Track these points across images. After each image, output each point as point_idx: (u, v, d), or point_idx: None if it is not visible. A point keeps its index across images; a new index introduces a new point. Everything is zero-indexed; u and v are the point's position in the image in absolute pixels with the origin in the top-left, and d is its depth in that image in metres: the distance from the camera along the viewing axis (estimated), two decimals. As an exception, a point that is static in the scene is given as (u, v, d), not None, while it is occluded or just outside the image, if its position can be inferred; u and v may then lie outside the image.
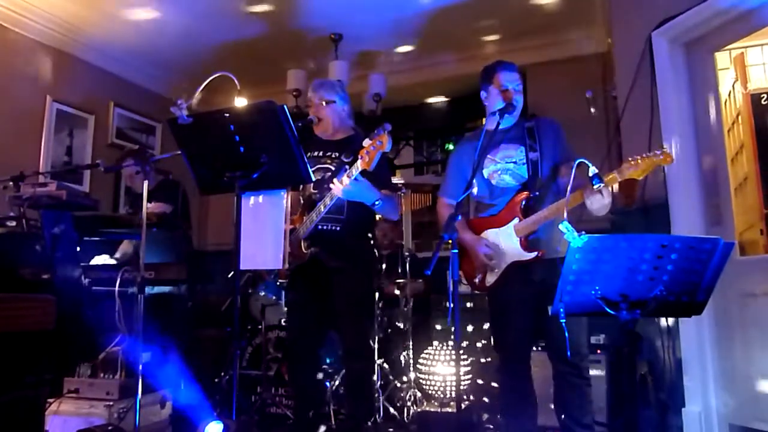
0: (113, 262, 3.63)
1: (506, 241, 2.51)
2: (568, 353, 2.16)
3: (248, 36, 4.86)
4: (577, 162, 2.45)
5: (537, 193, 2.51)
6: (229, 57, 5.10)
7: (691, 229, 3.04)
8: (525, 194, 2.51)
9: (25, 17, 4.37)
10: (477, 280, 2.62)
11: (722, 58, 3.47)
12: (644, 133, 3.32)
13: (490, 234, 2.57)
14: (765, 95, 3.67)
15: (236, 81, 2.42)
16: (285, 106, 2.27)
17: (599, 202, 2.23)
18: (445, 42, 5.06)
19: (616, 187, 2.43)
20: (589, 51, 4.82)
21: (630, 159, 2.17)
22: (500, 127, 2.53)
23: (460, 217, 2.30)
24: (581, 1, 4.41)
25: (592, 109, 4.31)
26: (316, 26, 4.73)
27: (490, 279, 2.57)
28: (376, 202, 2.58)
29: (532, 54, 5.08)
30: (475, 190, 2.64)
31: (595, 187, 2.33)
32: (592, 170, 2.40)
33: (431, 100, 6.00)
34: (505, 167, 2.58)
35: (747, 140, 3.33)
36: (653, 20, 3.32)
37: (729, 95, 3.50)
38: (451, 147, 6.01)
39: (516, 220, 2.50)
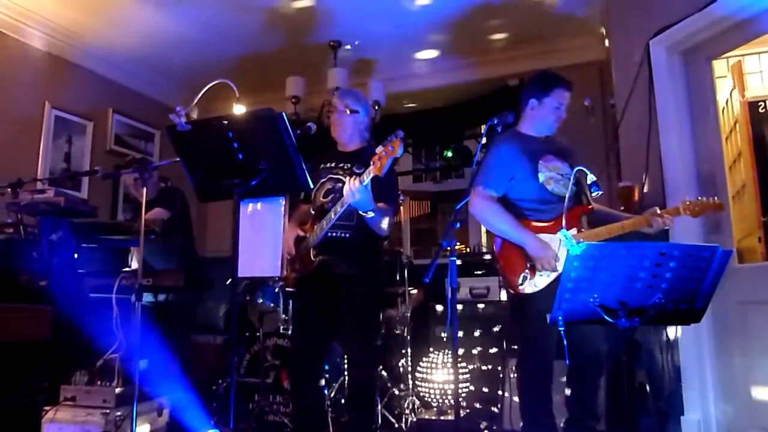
0: None
1: (557, 248, 2.57)
2: (567, 361, 2.15)
3: (247, 43, 4.87)
4: (575, 170, 2.48)
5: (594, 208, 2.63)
6: (228, 64, 5.10)
7: (689, 237, 3.04)
8: (588, 208, 2.62)
9: (25, 24, 4.38)
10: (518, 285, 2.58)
11: (720, 66, 3.49)
12: (642, 141, 3.33)
13: (544, 239, 2.59)
14: (762, 103, 3.69)
15: (235, 88, 2.42)
16: (284, 114, 2.27)
17: (660, 229, 2.47)
18: (444, 50, 5.08)
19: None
20: (588, 59, 4.83)
21: (695, 198, 2.47)
22: (539, 135, 2.73)
23: (459, 225, 2.30)
24: (579, 10, 4.43)
25: (591, 118, 4.33)
26: (315, 33, 4.74)
27: (534, 286, 2.54)
28: (369, 212, 2.55)
29: (531, 62, 5.09)
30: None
31: (592, 194, 2.35)
32: (591, 178, 2.42)
33: (430, 107, 6.01)
34: (557, 177, 2.64)
35: (744, 148, 3.34)
36: (651, 28, 3.33)
37: (726, 103, 3.51)
38: (449, 154, 5.99)
39: (574, 231, 2.55)
